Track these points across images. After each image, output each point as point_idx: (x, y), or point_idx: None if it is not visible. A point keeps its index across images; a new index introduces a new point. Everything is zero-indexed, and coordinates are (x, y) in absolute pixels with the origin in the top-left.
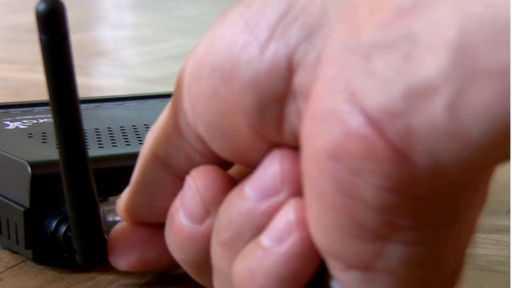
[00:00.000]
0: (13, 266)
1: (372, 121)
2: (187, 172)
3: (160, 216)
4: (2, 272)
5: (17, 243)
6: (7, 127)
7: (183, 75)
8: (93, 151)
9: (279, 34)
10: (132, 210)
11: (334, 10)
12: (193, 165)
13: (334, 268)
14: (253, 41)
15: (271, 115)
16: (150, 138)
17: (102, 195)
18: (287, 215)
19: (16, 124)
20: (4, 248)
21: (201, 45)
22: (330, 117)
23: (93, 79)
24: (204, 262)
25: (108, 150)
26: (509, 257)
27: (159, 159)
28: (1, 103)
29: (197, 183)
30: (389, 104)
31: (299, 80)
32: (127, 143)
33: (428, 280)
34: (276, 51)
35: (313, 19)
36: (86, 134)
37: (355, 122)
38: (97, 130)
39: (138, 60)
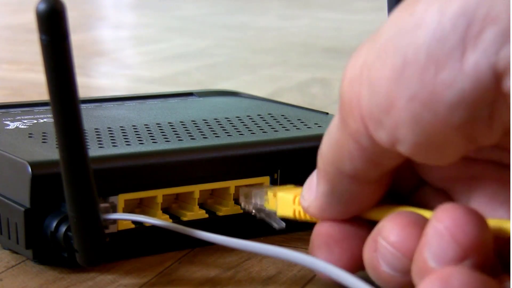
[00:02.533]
0: (13, 266)
1: None
2: (375, 177)
3: (351, 215)
4: (2, 272)
5: (17, 243)
6: (7, 127)
7: (355, 103)
8: (93, 151)
9: (472, 46)
10: (322, 214)
11: None
12: (381, 170)
13: None
14: (446, 60)
15: (481, 120)
16: (330, 155)
17: (102, 195)
18: None
19: (16, 124)
20: (4, 248)
21: (376, 70)
22: None
23: (93, 79)
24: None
25: (108, 150)
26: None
27: (345, 174)
28: (1, 103)
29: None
30: None
31: (509, 83)
32: (127, 143)
33: None
34: (476, 64)
35: (502, 23)
36: (86, 134)
37: None
38: (97, 130)
39: (138, 60)
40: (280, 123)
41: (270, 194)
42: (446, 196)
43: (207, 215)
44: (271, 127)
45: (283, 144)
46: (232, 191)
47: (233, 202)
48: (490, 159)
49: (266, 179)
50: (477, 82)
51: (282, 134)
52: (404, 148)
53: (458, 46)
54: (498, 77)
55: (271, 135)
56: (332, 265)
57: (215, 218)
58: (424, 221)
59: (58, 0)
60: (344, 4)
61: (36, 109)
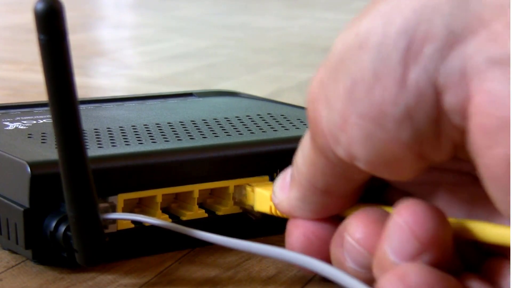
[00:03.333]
0: (13, 266)
1: None
2: (348, 191)
3: (322, 217)
4: (2, 272)
5: (17, 243)
6: (7, 128)
7: (317, 120)
8: (93, 151)
9: (413, 63)
10: (292, 214)
11: (459, 28)
12: (351, 185)
13: None
14: (390, 78)
15: (428, 137)
16: (304, 170)
17: (101, 195)
18: None
19: (16, 124)
20: (4, 248)
21: (330, 89)
22: (506, 127)
23: (93, 79)
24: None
25: (108, 150)
26: None
27: (318, 189)
28: (1, 103)
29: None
30: None
31: (449, 99)
32: (126, 143)
33: None
34: (417, 80)
35: (441, 40)
36: (85, 134)
37: None
38: (96, 130)
39: (138, 60)
40: (279, 123)
41: (248, 189)
42: (410, 196)
43: (206, 215)
44: (271, 127)
45: (283, 143)
46: (231, 190)
47: (232, 201)
48: (449, 168)
49: (265, 179)
50: (420, 98)
51: (281, 134)
52: (360, 164)
53: (400, 63)
54: (438, 93)
55: (270, 135)
56: (332, 265)
57: (215, 217)
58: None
59: (56, 0)
60: (344, 4)
61: (36, 109)
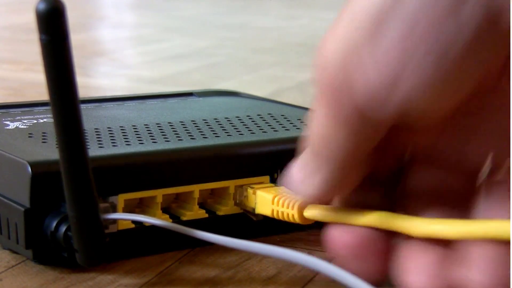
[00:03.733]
0: (13, 266)
1: None
2: (362, 156)
3: (334, 195)
4: (2, 272)
5: (17, 243)
6: (7, 127)
7: (345, 89)
8: (93, 151)
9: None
10: (305, 190)
11: None
12: (367, 147)
13: None
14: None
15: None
16: (317, 139)
17: (102, 195)
18: None
19: (16, 124)
20: (4, 248)
21: (374, 48)
22: None
23: (93, 79)
24: None
25: (108, 150)
26: None
27: (333, 152)
28: (1, 103)
29: None
30: None
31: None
32: (127, 143)
33: None
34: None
35: None
36: (86, 134)
37: None
38: (97, 130)
39: (138, 60)
40: (280, 123)
41: (250, 191)
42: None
43: (207, 215)
44: (271, 127)
45: (283, 144)
46: (232, 190)
47: (233, 201)
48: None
49: (266, 179)
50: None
51: (282, 134)
52: (416, 112)
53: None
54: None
55: (271, 135)
56: (332, 265)
57: (215, 217)
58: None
59: (58, 0)
60: (344, 4)
61: (36, 109)
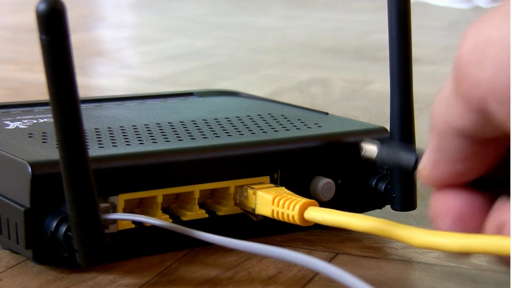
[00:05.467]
0: (13, 266)
1: None
2: (481, 138)
3: (461, 178)
4: (2, 272)
5: (17, 243)
6: (7, 127)
7: (475, 74)
8: (93, 151)
9: None
10: (432, 174)
11: None
12: (486, 133)
13: None
14: None
15: None
16: (439, 109)
17: (102, 195)
18: None
19: (16, 124)
20: (4, 248)
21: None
22: None
23: (93, 79)
24: None
25: (108, 150)
26: None
27: (453, 129)
28: (1, 103)
29: None
30: None
31: None
32: (127, 143)
33: None
34: None
35: None
36: (86, 134)
37: None
38: (97, 130)
39: (138, 60)
40: (280, 123)
41: (250, 191)
42: None
43: (207, 215)
44: (271, 127)
45: (283, 144)
46: (232, 191)
47: (233, 202)
48: None
49: (266, 179)
50: None
51: (282, 134)
52: None
53: None
54: None
55: (271, 135)
56: (332, 265)
57: (215, 218)
58: None
59: (58, 0)
60: (344, 4)
61: (36, 109)
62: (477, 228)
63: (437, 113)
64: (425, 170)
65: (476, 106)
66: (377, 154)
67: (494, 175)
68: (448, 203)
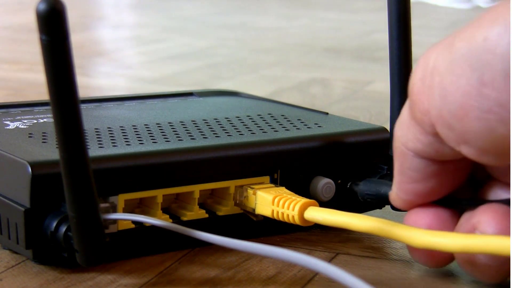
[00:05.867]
0: (13, 266)
1: None
2: (439, 159)
3: (426, 198)
4: (2, 272)
5: (17, 243)
6: (7, 127)
7: (424, 102)
8: (93, 151)
9: None
10: (400, 195)
11: None
12: (442, 156)
13: None
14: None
15: None
16: (398, 132)
17: (102, 195)
18: None
19: (16, 124)
20: (4, 248)
21: (450, 82)
22: None
23: (93, 79)
24: None
25: (108, 150)
26: None
27: (410, 150)
28: (1, 103)
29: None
30: None
31: None
32: (127, 143)
33: None
34: None
35: None
36: (86, 134)
37: None
38: (97, 130)
39: (138, 60)
40: (280, 123)
41: (250, 191)
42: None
43: (207, 215)
44: (271, 127)
45: (283, 144)
46: (232, 191)
47: (233, 202)
48: None
49: (266, 179)
50: None
51: (282, 134)
52: (468, 151)
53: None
54: None
55: (271, 135)
56: (332, 265)
57: (215, 218)
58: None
59: (58, 0)
60: (344, 4)
61: (36, 109)
62: None
63: (397, 136)
64: (392, 193)
65: (429, 130)
66: (359, 189)
67: (460, 196)
68: (418, 219)
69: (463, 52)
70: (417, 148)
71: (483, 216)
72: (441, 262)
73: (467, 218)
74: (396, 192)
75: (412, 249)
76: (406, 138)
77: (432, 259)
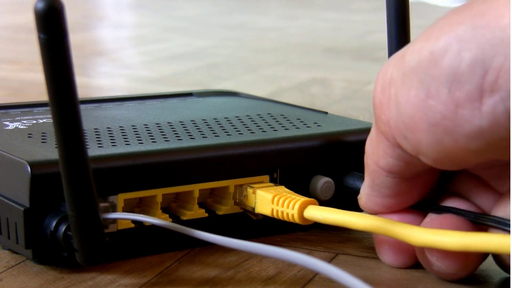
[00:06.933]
0: (13, 266)
1: None
2: (409, 175)
3: (394, 208)
4: (2, 272)
5: (17, 243)
6: (7, 128)
7: (384, 112)
8: (93, 150)
9: (489, 92)
10: (367, 206)
11: None
12: (414, 169)
13: None
14: (465, 100)
15: (497, 147)
16: (368, 149)
17: (101, 195)
18: None
19: (16, 124)
20: (4, 248)
21: (402, 93)
22: None
23: (93, 79)
24: None
25: (108, 150)
26: None
27: (381, 168)
28: (1, 103)
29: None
30: None
31: None
32: (126, 142)
33: None
34: (494, 107)
35: None
36: (85, 134)
37: None
38: (96, 130)
39: (138, 60)
40: (279, 122)
41: (249, 190)
42: (480, 181)
43: (206, 214)
44: (271, 126)
45: (283, 143)
46: (231, 190)
47: (232, 201)
48: None
49: (265, 178)
50: (494, 122)
51: (281, 133)
52: (425, 160)
53: (477, 89)
54: None
55: (270, 134)
56: (332, 265)
57: (215, 217)
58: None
59: None
60: (344, 4)
61: (35, 109)
62: None
63: (368, 154)
64: (361, 200)
65: (393, 142)
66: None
67: (425, 199)
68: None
69: (412, 64)
70: (389, 164)
71: (442, 226)
72: (407, 261)
73: (428, 219)
74: (366, 201)
75: (379, 246)
76: (377, 155)
77: (398, 258)
